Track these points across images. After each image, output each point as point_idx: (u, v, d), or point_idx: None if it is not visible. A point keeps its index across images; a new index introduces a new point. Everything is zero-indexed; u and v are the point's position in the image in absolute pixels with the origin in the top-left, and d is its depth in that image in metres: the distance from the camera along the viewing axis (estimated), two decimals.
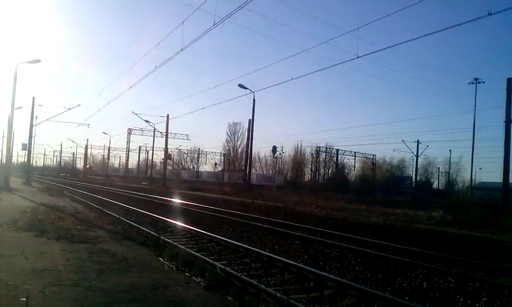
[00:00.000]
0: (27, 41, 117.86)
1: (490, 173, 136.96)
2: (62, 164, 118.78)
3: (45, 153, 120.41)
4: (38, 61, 31.40)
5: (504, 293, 8.50)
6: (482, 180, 73.71)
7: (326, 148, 73.24)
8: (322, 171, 77.38)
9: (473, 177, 50.14)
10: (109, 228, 13.96)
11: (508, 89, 28.36)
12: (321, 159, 74.08)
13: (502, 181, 28.01)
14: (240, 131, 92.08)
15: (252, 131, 38.45)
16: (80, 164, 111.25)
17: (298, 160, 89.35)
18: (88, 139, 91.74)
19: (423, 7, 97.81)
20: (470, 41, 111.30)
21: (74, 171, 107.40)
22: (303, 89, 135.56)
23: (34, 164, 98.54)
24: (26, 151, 46.19)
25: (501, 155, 28.00)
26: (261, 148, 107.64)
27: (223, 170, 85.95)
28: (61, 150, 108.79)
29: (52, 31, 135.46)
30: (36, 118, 44.84)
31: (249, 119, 38.14)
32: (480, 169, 75.76)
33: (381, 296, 7.56)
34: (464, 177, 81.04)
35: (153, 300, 6.02)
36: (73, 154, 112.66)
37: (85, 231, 12.37)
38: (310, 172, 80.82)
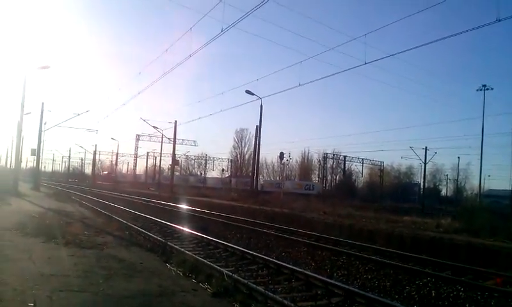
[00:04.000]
0: (37, 46, 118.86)
1: (499, 180, 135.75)
2: (70, 169, 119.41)
3: (54, 158, 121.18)
4: (48, 67, 31.74)
5: None
6: (490, 187, 73.17)
7: (334, 155, 73.13)
8: (329, 177, 77.20)
9: (481, 184, 49.80)
10: (117, 233, 13.98)
11: None
12: (328, 166, 74.01)
13: (510, 188, 27.77)
14: (248, 137, 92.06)
15: (259, 137, 38.50)
16: (88, 170, 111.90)
17: (305, 167, 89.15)
18: (96, 145, 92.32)
19: (430, 14, 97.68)
20: (479, 48, 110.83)
21: (83, 177, 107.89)
22: (310, 95, 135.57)
23: (42, 169, 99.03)
24: (35, 157, 46.42)
25: (510, 162, 27.76)
26: (268, 154, 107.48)
27: (230, 176, 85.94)
28: (69, 156, 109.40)
29: (61, 38, 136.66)
30: (45, 124, 45.13)
31: (257, 126, 38.20)
32: (489, 176, 75.38)
33: (389, 304, 7.50)
34: (472, 184, 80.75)
35: None
36: (82, 160, 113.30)
37: (93, 236, 12.39)
38: (317, 178, 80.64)
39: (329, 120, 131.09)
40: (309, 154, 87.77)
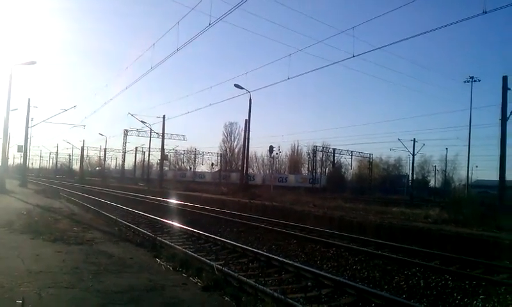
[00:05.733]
0: (22, 42, 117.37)
1: (486, 170, 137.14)
2: (58, 165, 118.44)
3: (41, 154, 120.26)
4: (34, 62, 31.26)
5: (501, 290, 8.52)
6: (478, 178, 73.90)
7: (323, 148, 73.32)
8: (319, 170, 77.37)
9: (469, 175, 50.30)
10: (106, 229, 13.91)
11: (504, 87, 28.40)
12: (318, 158, 74.15)
13: (498, 179, 28.05)
14: (237, 131, 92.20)
15: (249, 131, 38.45)
16: (76, 166, 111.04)
17: (295, 160, 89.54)
18: (84, 140, 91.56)
19: (418, 6, 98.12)
20: (466, 40, 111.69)
21: (70, 173, 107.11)
22: (299, 88, 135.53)
23: (30, 165, 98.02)
24: (22, 153, 45.95)
25: (497, 152, 28.03)
26: (258, 148, 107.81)
27: (219, 170, 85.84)
28: (57, 152, 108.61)
29: (47, 33, 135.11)
30: (31, 120, 44.67)
31: (246, 119, 38.18)
32: (476, 166, 76.26)
33: (378, 295, 7.55)
34: (460, 175, 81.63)
35: (151, 301, 5.99)
36: (70, 155, 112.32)
37: (81, 232, 12.31)
38: (307, 171, 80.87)
39: (319, 113, 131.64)
40: (299, 147, 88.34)
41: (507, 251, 12.03)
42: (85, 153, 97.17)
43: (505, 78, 28.60)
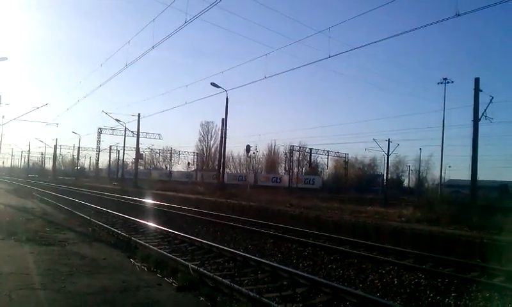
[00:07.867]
0: None
1: (459, 170, 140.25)
2: (30, 164, 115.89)
3: (13, 153, 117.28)
4: (5, 58, 30.56)
5: (472, 288, 8.70)
6: (451, 178, 75.50)
7: (300, 147, 73.66)
8: (295, 169, 77.70)
9: (442, 175, 51.34)
10: (79, 229, 13.67)
11: (476, 89, 28.87)
12: (295, 158, 74.40)
13: (470, 178, 28.57)
14: (213, 130, 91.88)
15: (225, 130, 38.32)
16: (49, 165, 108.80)
17: (272, 160, 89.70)
18: (56, 139, 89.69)
19: (393, 8, 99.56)
20: (439, 42, 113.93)
21: (43, 172, 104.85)
22: (276, 88, 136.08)
23: (1, 164, 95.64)
24: None
25: (469, 153, 28.54)
26: (235, 147, 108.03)
27: (196, 169, 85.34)
28: (29, 150, 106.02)
29: (19, 29, 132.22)
30: (3, 117, 43.73)
31: (223, 118, 38.00)
32: (449, 166, 77.90)
33: (353, 293, 7.62)
34: (434, 175, 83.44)
35: (124, 302, 5.91)
36: (42, 154, 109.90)
37: (54, 233, 12.08)
38: (283, 171, 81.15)
39: (295, 113, 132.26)
40: (275, 147, 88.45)
41: (478, 249, 12.33)
42: (58, 151, 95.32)
43: (477, 80, 29.09)
